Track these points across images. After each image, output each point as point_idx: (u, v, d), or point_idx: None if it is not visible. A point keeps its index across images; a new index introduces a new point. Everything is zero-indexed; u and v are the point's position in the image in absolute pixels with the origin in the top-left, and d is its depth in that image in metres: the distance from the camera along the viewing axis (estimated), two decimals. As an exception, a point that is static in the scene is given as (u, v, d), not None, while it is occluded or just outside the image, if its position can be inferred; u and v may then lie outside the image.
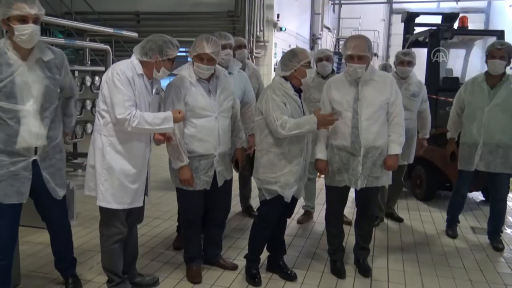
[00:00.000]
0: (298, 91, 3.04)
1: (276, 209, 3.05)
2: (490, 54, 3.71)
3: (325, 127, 3.04)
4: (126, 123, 2.58)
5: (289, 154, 2.97)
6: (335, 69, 4.49)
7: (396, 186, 4.36)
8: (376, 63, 19.33)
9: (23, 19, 2.36)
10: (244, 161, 3.40)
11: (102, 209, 2.78)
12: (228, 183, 3.25)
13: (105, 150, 2.69)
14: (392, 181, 4.38)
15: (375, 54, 19.09)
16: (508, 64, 3.72)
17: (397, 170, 4.27)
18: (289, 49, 3.10)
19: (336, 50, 18.08)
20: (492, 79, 3.77)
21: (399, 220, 4.59)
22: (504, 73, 3.75)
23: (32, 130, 2.48)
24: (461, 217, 4.27)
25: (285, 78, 2.99)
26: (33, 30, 2.39)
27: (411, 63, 4.18)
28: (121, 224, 2.79)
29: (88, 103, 6.00)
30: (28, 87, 2.43)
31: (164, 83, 3.15)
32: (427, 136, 4.44)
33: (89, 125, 5.90)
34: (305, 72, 2.95)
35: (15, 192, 2.50)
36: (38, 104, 2.48)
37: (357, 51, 3.01)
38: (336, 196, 3.31)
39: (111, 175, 2.69)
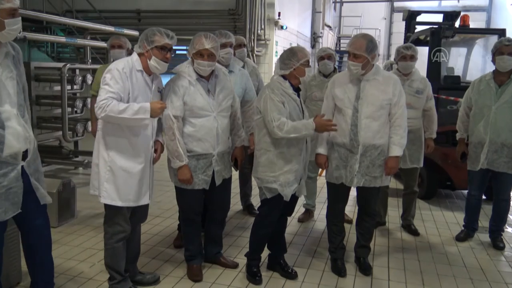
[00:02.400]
0: (297, 90, 3.04)
1: (277, 208, 3.05)
2: (498, 51, 3.66)
3: (323, 132, 3.02)
4: (99, 110, 2.54)
5: (288, 153, 2.97)
6: (337, 67, 4.47)
7: (410, 194, 4.31)
8: (377, 61, 19.32)
9: (13, 13, 2.17)
10: (243, 160, 3.39)
11: (106, 207, 2.79)
12: (227, 181, 3.25)
13: (108, 148, 2.70)
14: (404, 189, 4.38)
15: (376, 53, 19.01)
16: None
17: (409, 177, 4.25)
18: (291, 47, 3.10)
19: (337, 49, 18.07)
20: (500, 77, 3.72)
21: (415, 233, 4.21)
22: None
23: (19, 133, 2.25)
24: (461, 216, 4.26)
25: (284, 77, 2.99)
26: (20, 25, 2.25)
27: (413, 57, 3.98)
28: (125, 222, 2.80)
29: (89, 101, 6.00)
30: (3, 85, 2.19)
31: (164, 81, 3.16)
32: (434, 136, 4.18)
33: (89, 123, 5.91)
34: (304, 71, 2.94)
35: (11, 205, 2.29)
36: (16, 104, 2.25)
37: (352, 49, 3.01)
38: (336, 194, 3.31)
39: (114, 172, 2.70)
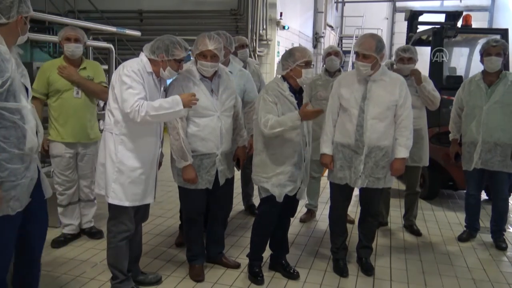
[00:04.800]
0: (299, 91, 3.03)
1: (275, 206, 3.04)
2: (486, 52, 3.72)
3: (310, 119, 2.93)
4: (135, 114, 2.59)
5: (281, 155, 2.96)
6: (342, 68, 4.46)
7: (412, 194, 4.31)
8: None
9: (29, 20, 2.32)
10: (245, 159, 3.40)
11: (111, 206, 2.79)
12: (230, 181, 3.26)
13: (116, 148, 2.71)
14: (406, 189, 4.38)
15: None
16: (503, 61, 3.72)
17: (410, 177, 4.24)
18: (292, 47, 3.09)
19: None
20: (489, 77, 3.76)
21: (418, 233, 4.21)
22: (501, 70, 3.75)
23: (34, 128, 2.29)
24: (463, 216, 4.25)
25: (284, 77, 2.98)
26: None
27: (411, 60, 3.99)
28: (129, 221, 2.81)
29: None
30: (19, 83, 2.25)
31: (168, 81, 3.17)
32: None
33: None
34: (300, 72, 2.91)
35: (27, 196, 2.30)
36: (29, 99, 2.32)
37: (362, 49, 3.01)
38: (340, 194, 3.31)
39: (122, 173, 2.72)
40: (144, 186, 2.80)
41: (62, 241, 3.69)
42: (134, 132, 2.71)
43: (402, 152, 3.12)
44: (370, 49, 2.98)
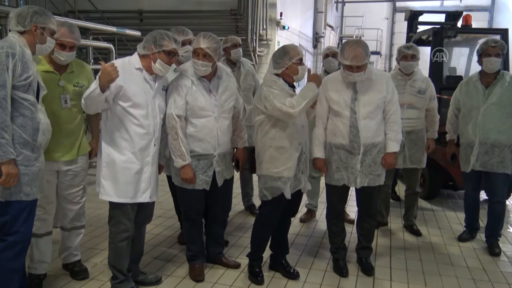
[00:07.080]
0: (292, 87, 3.04)
1: (278, 208, 3.05)
2: (485, 53, 3.67)
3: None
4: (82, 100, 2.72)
5: (290, 148, 2.97)
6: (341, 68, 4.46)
7: (412, 194, 4.31)
8: (379, 61, 19.28)
9: (53, 34, 2.57)
10: (245, 161, 3.39)
11: (110, 206, 2.81)
12: (229, 181, 3.25)
13: (105, 144, 2.75)
14: (406, 190, 4.38)
15: (378, 53, 19.05)
16: (502, 61, 3.70)
17: (410, 177, 4.26)
18: (282, 46, 3.09)
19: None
20: (487, 78, 3.72)
21: (418, 233, 4.21)
22: (499, 71, 3.71)
23: (46, 125, 2.51)
24: (463, 216, 4.25)
25: (277, 75, 2.98)
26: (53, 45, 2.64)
27: (414, 57, 3.97)
28: (128, 221, 2.81)
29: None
30: (36, 85, 2.48)
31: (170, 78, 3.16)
32: (435, 136, 4.13)
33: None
34: (297, 69, 2.93)
35: (39, 187, 2.50)
36: (40, 101, 2.53)
37: (356, 62, 2.99)
38: (336, 195, 3.31)
39: (110, 168, 2.74)
40: (134, 183, 2.77)
41: None
42: (122, 128, 2.72)
43: (394, 146, 3.14)
44: (363, 59, 2.99)
